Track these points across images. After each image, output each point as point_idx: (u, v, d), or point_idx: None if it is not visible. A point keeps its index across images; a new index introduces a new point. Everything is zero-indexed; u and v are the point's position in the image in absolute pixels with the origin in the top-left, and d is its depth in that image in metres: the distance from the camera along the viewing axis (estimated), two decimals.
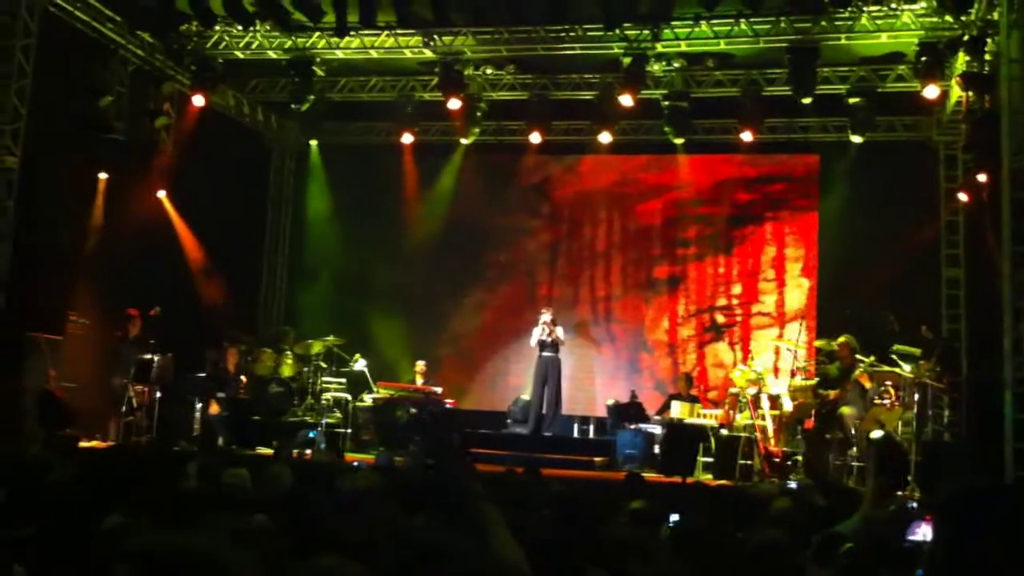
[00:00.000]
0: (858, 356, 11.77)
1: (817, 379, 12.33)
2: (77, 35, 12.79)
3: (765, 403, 12.27)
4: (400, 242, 16.37)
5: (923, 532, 7.12)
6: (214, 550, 2.67)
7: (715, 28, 12.68)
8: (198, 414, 12.80)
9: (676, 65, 13.66)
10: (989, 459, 9.69)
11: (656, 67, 13.44)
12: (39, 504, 5.09)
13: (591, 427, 14.67)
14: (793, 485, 11.05)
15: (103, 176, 13.38)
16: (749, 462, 11.70)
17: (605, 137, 14.45)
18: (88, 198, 13.26)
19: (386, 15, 12.72)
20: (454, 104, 13.88)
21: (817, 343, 13.42)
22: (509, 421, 14.33)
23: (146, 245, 13.48)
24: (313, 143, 16.33)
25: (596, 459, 12.64)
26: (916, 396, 11.23)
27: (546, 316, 13.89)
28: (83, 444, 10.95)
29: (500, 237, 16.17)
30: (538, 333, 13.82)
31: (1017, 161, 9.92)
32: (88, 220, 13.22)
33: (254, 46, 13.83)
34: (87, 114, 12.97)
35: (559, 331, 13.93)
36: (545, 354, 13.89)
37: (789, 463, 11.88)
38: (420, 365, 14.51)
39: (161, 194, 14.39)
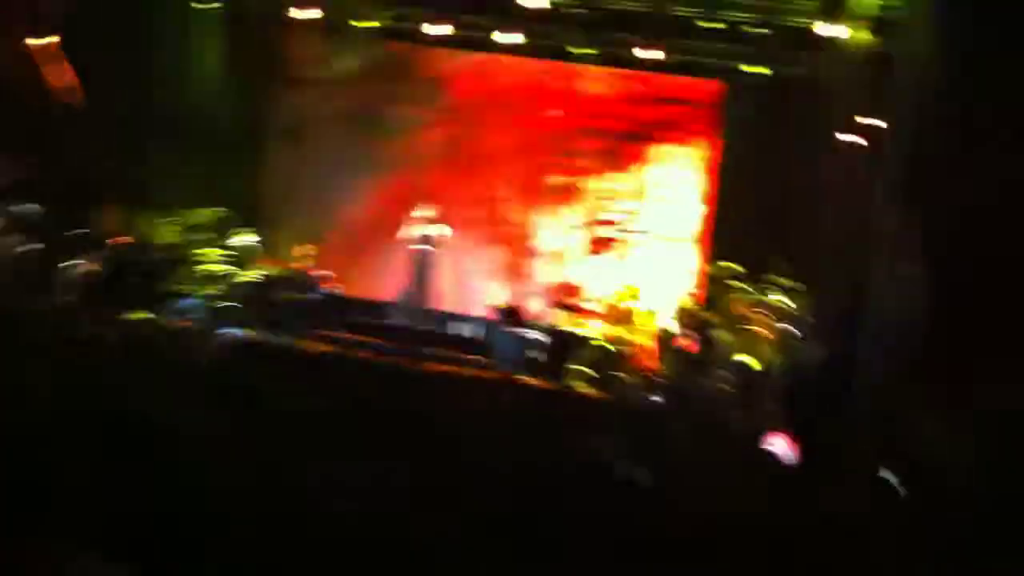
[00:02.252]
0: (738, 283, 12.10)
1: (699, 303, 12.62)
2: None
3: (646, 319, 12.53)
4: (291, 121, 15.85)
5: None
6: None
7: None
8: (70, 272, 12.30)
9: None
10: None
11: None
12: None
13: (470, 326, 14.71)
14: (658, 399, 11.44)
15: None
16: (624, 376, 11.94)
17: (513, 38, 14.25)
18: None
19: None
20: None
21: (705, 269, 13.68)
22: (393, 312, 14.30)
23: (25, 91, 12.76)
24: (205, 6, 15.50)
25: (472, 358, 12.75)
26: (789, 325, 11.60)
27: (422, 212, 13.89)
28: None
29: (393, 128, 15.80)
30: (414, 230, 13.81)
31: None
32: None
33: None
34: None
35: (442, 228, 13.94)
36: (420, 247, 13.86)
37: (663, 379, 12.16)
38: (308, 248, 14.30)
39: (35, 42, 13.53)
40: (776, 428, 8.38)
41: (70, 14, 13.35)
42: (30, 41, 13.47)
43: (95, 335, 8.19)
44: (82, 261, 12.45)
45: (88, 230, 12.83)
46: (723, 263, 12.45)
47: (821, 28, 12.46)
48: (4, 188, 12.21)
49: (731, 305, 11.97)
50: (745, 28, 13.61)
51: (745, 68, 14.35)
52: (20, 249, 12.03)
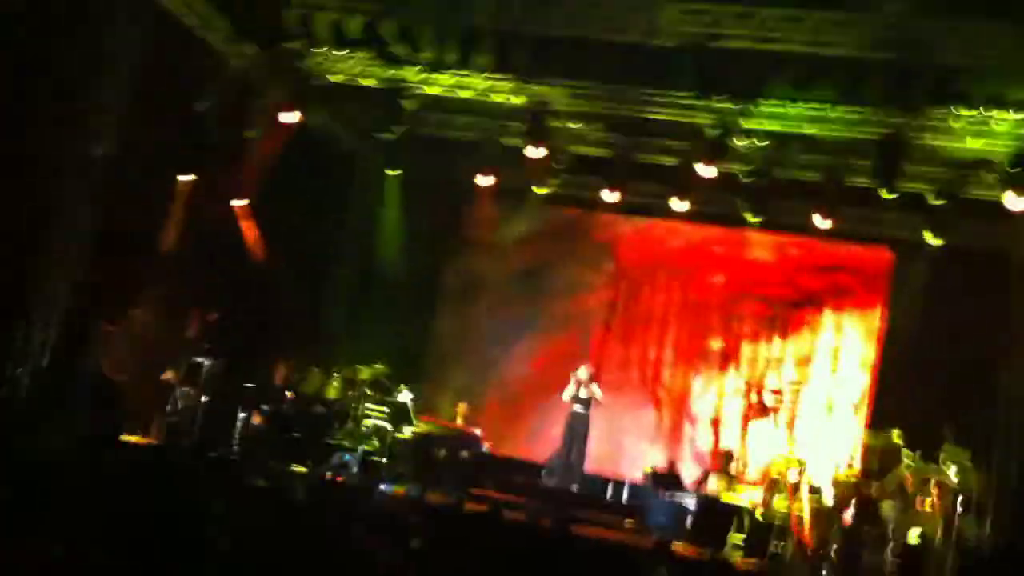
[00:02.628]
0: (905, 452, 11.59)
1: (860, 472, 12.14)
2: (185, 37, 13.16)
3: (805, 491, 12.07)
4: (464, 282, 16.52)
5: None
6: None
7: (806, 112, 12.63)
8: (240, 423, 12.90)
9: (761, 143, 13.59)
10: None
11: (741, 142, 13.42)
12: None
13: (625, 490, 14.49)
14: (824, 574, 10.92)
15: (188, 178, 13.67)
16: (781, 546, 11.50)
17: (679, 204, 14.44)
18: (170, 198, 13.55)
19: (483, 57, 12.88)
20: (537, 152, 13.97)
21: (865, 437, 13.21)
22: (544, 473, 14.25)
23: (218, 251, 13.75)
24: (394, 173, 16.58)
25: (626, 521, 12.53)
26: (960, 501, 10.98)
27: (582, 373, 13.89)
28: (125, 438, 11.12)
29: (561, 289, 16.22)
30: (571, 391, 13.81)
31: None
32: (166, 219, 13.50)
33: (352, 71, 14.05)
34: (182, 115, 13.30)
35: (595, 390, 13.91)
36: (576, 410, 13.86)
37: (822, 554, 11.65)
38: (463, 407, 14.54)
39: (241, 203, 14.64)
40: None
41: (272, 175, 14.31)
42: (234, 203, 14.58)
43: (266, 488, 8.54)
44: (252, 413, 13.01)
45: (259, 383, 13.42)
46: (887, 433, 11.96)
47: (1007, 201, 12.11)
48: (193, 340, 12.97)
49: (897, 477, 11.43)
50: (922, 198, 13.38)
51: (918, 237, 13.98)
52: (202, 400, 12.70)
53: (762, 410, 15.00)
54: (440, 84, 13.79)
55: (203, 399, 12.71)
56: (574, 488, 13.58)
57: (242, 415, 12.94)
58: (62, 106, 11.73)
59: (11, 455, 7.64)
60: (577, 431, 13.82)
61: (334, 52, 13.64)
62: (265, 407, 13.16)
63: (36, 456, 7.94)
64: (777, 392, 15.01)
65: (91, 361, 12.13)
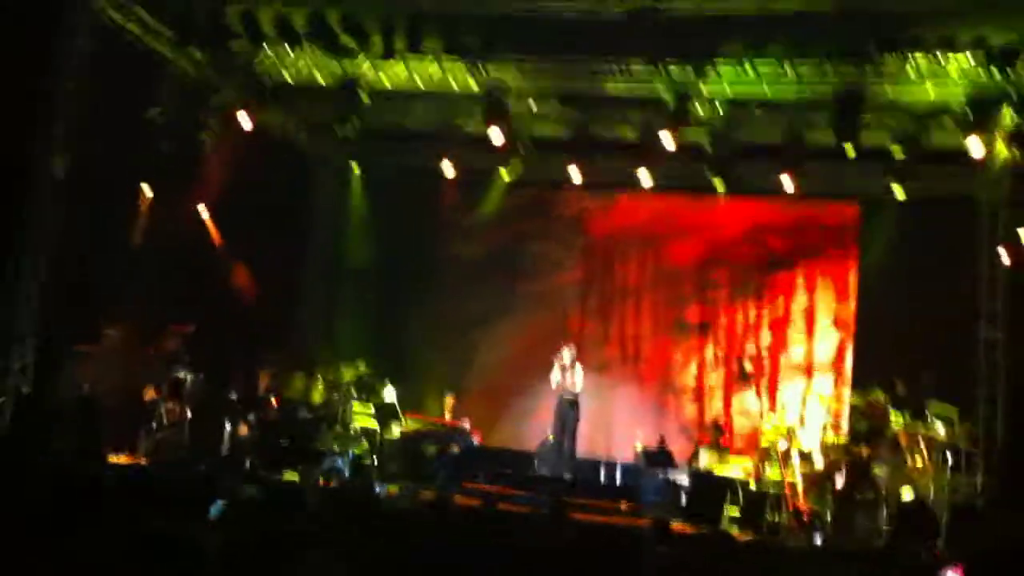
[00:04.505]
0: (892, 413, 11.67)
1: (849, 435, 12.22)
2: (128, 48, 12.92)
3: (796, 458, 12.17)
4: (435, 270, 16.43)
5: None
6: None
7: (761, 70, 12.61)
8: (227, 435, 12.81)
9: (720, 109, 13.55)
10: (1021, 527, 9.56)
11: (700, 109, 13.37)
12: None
13: (617, 471, 14.52)
14: (820, 541, 11.03)
15: (146, 189, 13.47)
16: (777, 516, 11.60)
17: (644, 176, 14.37)
18: (130, 210, 13.36)
19: (432, 42, 12.73)
20: (496, 134, 13.88)
21: (851, 399, 13.31)
22: (536, 462, 14.24)
23: (185, 261, 13.58)
24: (354, 165, 16.45)
25: (622, 504, 12.56)
26: (950, 458, 11.11)
27: (565, 358, 13.80)
28: (112, 459, 11.01)
29: (533, 270, 16.20)
30: (556, 377, 13.79)
31: None
32: (128, 232, 13.30)
33: (301, 67, 13.84)
34: (134, 126, 13.06)
35: (579, 372, 13.85)
36: (564, 396, 13.86)
37: (817, 520, 11.76)
38: (449, 400, 14.49)
39: (203, 209, 14.48)
40: (947, 562, 7.99)
41: (231, 179, 14.12)
42: (200, 208, 14.40)
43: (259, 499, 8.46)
44: (238, 423, 12.91)
45: (242, 393, 13.32)
46: (873, 392, 12.05)
47: (970, 146, 12.16)
48: (172, 354, 12.82)
49: (890, 436, 11.53)
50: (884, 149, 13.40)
51: (883, 189, 14.02)
52: (187, 414, 12.57)
53: (743, 378, 15.05)
54: (393, 74, 13.64)
55: (188, 413, 12.56)
56: (567, 475, 13.58)
57: (228, 426, 12.80)
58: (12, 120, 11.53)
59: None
60: (567, 417, 13.78)
61: (281, 49, 13.42)
62: (251, 416, 13.04)
63: (25, 483, 7.84)
64: (756, 358, 15.07)
65: (71, 384, 11.98)
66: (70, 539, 5.05)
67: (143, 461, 11.72)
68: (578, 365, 13.90)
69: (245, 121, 13.84)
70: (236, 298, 14.86)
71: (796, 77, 12.49)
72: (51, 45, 12.00)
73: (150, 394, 12.48)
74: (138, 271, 13.10)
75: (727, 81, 12.79)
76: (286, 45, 13.24)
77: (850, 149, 12.63)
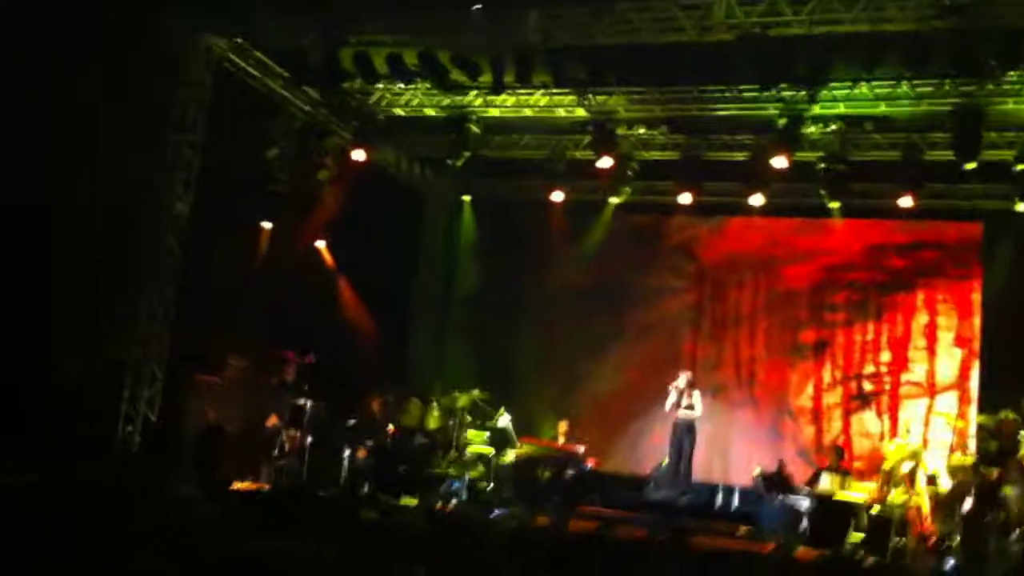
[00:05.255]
0: (1022, 433, 11.26)
1: (977, 456, 11.81)
2: (247, 90, 13.45)
3: (922, 480, 11.79)
4: (546, 298, 16.52)
5: None
6: None
7: (875, 90, 12.45)
8: (346, 461, 13.04)
9: (833, 128, 13.36)
10: None
11: (812, 129, 13.23)
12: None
13: (735, 495, 14.30)
14: (950, 566, 10.65)
15: (266, 225, 13.93)
16: (902, 541, 11.25)
17: (756, 199, 14.21)
18: (251, 246, 13.83)
19: (541, 75, 12.89)
20: (605, 163, 13.98)
21: (979, 418, 12.87)
22: (651, 485, 14.13)
23: (303, 293, 14.00)
24: (466, 198, 16.77)
25: (740, 529, 12.35)
26: None
27: (680, 382, 13.74)
28: (235, 486, 11.32)
29: (644, 296, 16.16)
30: (671, 400, 13.69)
31: None
32: (250, 267, 13.75)
33: (413, 103, 14.23)
34: (254, 166, 13.54)
35: (696, 397, 13.77)
36: (680, 419, 13.75)
37: (945, 545, 11.37)
38: (563, 425, 14.49)
39: (320, 244, 14.95)
40: None
41: (346, 213, 14.51)
42: (317, 241, 14.86)
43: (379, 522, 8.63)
44: (356, 450, 13.14)
45: (360, 420, 13.55)
46: (1001, 410, 11.62)
47: None
48: (292, 383, 13.16)
49: (1013, 455, 11.09)
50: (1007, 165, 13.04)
51: (1007, 206, 13.62)
52: (307, 441, 12.87)
53: (863, 399, 14.71)
54: (502, 106, 13.88)
55: (308, 440, 12.85)
56: (683, 499, 13.42)
57: (347, 452, 13.04)
58: (138, 163, 12.11)
59: (132, 510, 7.83)
60: (684, 441, 13.66)
61: (394, 87, 13.78)
62: (369, 442, 13.26)
63: (158, 510, 8.14)
64: (876, 378, 14.72)
65: (191, 417, 12.41)
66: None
67: (265, 487, 11.99)
68: (696, 390, 13.80)
69: (359, 157, 14.22)
70: (352, 328, 15.20)
71: (913, 94, 12.31)
72: (178, 96, 12.64)
73: (272, 422, 12.77)
74: (259, 303, 13.48)
75: (841, 99, 12.67)
76: (398, 83, 13.61)
77: (968, 164, 12.34)
